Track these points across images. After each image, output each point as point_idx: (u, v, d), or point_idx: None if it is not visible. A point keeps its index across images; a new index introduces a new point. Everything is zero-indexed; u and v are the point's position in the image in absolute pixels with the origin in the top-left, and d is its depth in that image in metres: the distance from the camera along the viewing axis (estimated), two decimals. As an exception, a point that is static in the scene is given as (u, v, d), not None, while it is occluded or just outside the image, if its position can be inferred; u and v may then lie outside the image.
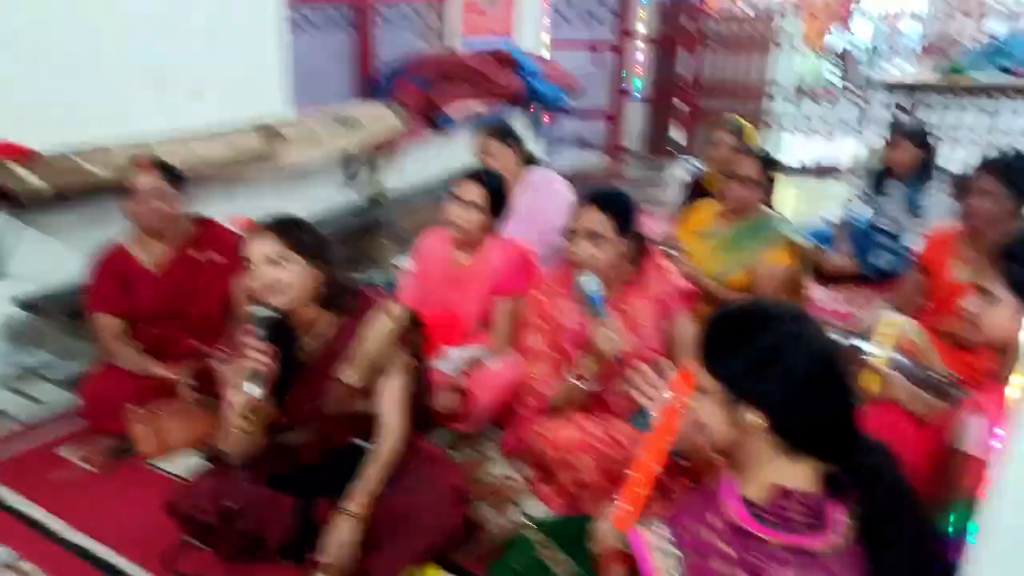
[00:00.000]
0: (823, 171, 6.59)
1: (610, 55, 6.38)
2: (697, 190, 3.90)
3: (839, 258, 4.02)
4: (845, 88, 6.68)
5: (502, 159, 3.23)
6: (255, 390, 1.78)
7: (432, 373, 2.29)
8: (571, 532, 1.87)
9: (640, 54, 7.01)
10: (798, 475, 1.20)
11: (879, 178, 4.02)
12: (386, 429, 1.97)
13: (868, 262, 4.00)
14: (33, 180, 2.85)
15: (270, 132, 3.74)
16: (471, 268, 2.74)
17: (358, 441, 2.04)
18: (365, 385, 1.98)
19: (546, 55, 6.13)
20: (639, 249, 2.28)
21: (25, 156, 2.92)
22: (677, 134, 7.19)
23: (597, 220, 2.15)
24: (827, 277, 4.01)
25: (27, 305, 3.02)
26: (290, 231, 1.90)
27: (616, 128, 6.38)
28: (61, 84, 3.07)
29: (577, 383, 2.14)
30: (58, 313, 2.99)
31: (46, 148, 2.98)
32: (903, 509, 1.21)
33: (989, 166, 2.70)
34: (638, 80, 7.09)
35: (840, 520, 1.15)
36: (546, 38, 6.35)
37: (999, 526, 1.08)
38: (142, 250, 2.70)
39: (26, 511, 2.19)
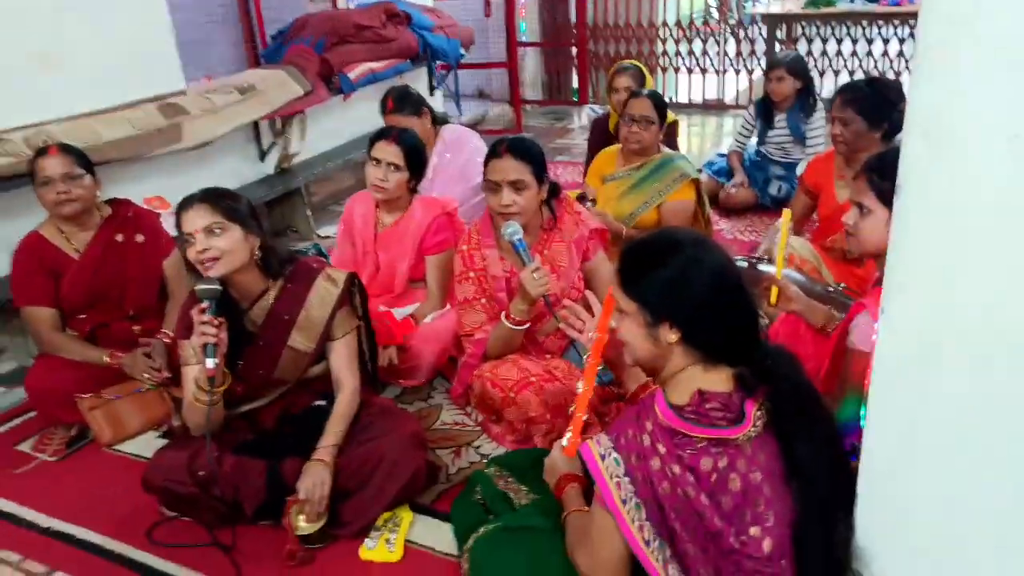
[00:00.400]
0: (713, 107, 6.91)
1: (500, 3, 6.44)
2: (602, 135, 4.07)
3: (736, 189, 4.29)
4: (727, 23, 6.95)
5: (415, 123, 3.28)
6: (210, 361, 1.87)
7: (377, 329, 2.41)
8: (525, 463, 2.06)
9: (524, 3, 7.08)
10: (713, 380, 1.40)
11: (764, 110, 4.28)
12: (342, 386, 2.11)
13: (764, 191, 4.30)
14: (-71, 176, 2.74)
15: (171, 108, 3.67)
16: (396, 228, 2.84)
17: (316, 403, 2.16)
18: (315, 348, 2.09)
19: (434, 6, 6.13)
20: (553, 195, 2.45)
21: (-84, 152, 2.80)
22: (573, 80, 7.35)
23: (516, 168, 2.28)
24: (728, 208, 4.28)
25: (-56, 306, 2.94)
26: (222, 200, 1.99)
27: (514, 78, 6.48)
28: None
29: (510, 326, 2.31)
30: (-21, 311, 2.92)
31: (-64, 142, 2.88)
32: (806, 402, 1.43)
33: (843, 95, 2.90)
34: (523, 24, 7.18)
35: (751, 413, 1.37)
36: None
37: (883, 405, 1.33)
38: (62, 237, 2.65)
39: (-4, 506, 2.22)
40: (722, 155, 4.66)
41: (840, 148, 2.90)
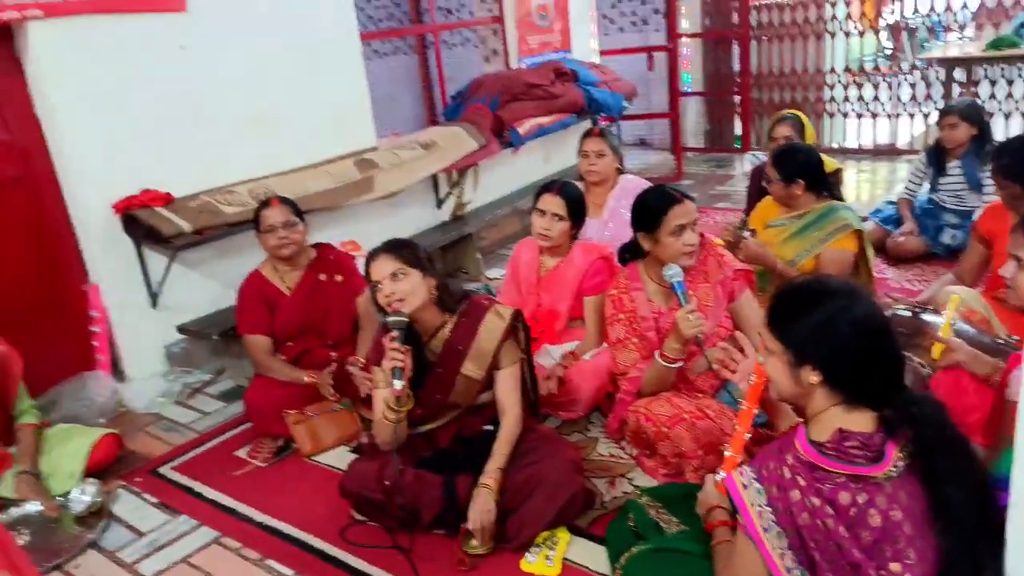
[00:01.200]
0: (884, 152, 6.69)
1: (663, 56, 6.64)
2: (760, 183, 4.12)
3: (905, 238, 4.19)
4: (900, 67, 6.74)
5: (605, 161, 3.53)
6: (397, 383, 2.15)
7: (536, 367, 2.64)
8: (677, 495, 2.19)
9: (687, 50, 7.23)
10: (855, 421, 1.48)
11: (937, 156, 4.17)
12: (506, 412, 2.34)
13: (936, 240, 4.16)
14: (177, 221, 3.31)
15: (365, 162, 4.16)
16: (557, 271, 3.07)
17: (486, 427, 2.41)
18: (484, 377, 2.35)
19: (599, 63, 6.43)
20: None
21: (166, 200, 3.40)
22: (736, 128, 7.39)
23: (693, 209, 2.49)
24: (896, 257, 4.18)
25: (184, 331, 3.51)
26: (401, 249, 2.30)
27: (676, 127, 6.64)
28: (189, 136, 3.56)
29: (664, 364, 2.45)
30: (209, 336, 3.45)
31: (180, 193, 3.46)
32: (952, 448, 1.47)
33: (994, 160, 2.89)
34: (687, 75, 7.32)
35: (892, 454, 1.44)
36: (596, 46, 6.64)
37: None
38: (277, 276, 3.12)
39: (219, 500, 2.64)
40: (891, 203, 4.54)
41: (1008, 205, 2.85)
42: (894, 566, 1.43)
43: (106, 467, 2.78)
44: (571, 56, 6.13)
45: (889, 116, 6.69)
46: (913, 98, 6.52)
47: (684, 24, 7.01)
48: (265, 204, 3.06)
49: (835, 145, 7.03)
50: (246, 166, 3.77)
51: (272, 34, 3.85)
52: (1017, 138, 3.19)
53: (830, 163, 4.06)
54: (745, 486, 1.53)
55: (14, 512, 2.57)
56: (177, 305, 3.57)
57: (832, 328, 1.50)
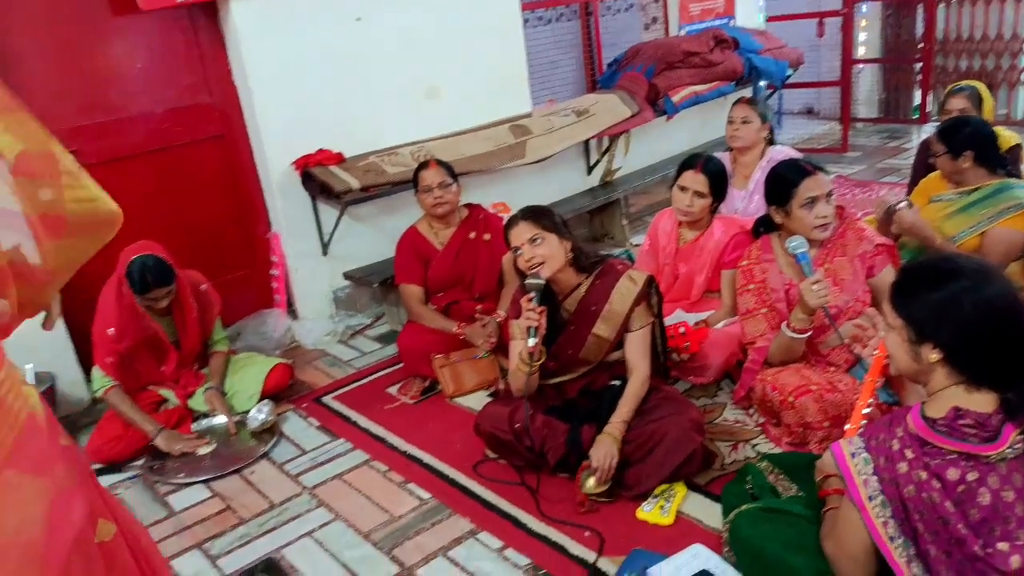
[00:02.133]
0: (1087, 125, 6.04)
1: (836, 21, 6.31)
2: (927, 157, 3.90)
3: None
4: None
5: (749, 128, 3.49)
6: (531, 340, 2.32)
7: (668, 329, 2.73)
8: (799, 464, 2.22)
9: (864, 13, 6.81)
10: (975, 401, 1.46)
11: None
12: (634, 371, 2.45)
13: None
14: (347, 179, 3.64)
15: (519, 128, 4.34)
16: (696, 244, 3.11)
17: (613, 382, 2.54)
18: (614, 337, 2.46)
19: (765, 29, 6.21)
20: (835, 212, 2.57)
21: (338, 160, 3.74)
22: (915, 98, 6.90)
23: (828, 182, 2.47)
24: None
25: (349, 278, 3.88)
26: (538, 216, 2.45)
27: (846, 96, 6.31)
28: (360, 101, 3.88)
29: (791, 334, 2.46)
30: (370, 284, 3.80)
31: (351, 153, 3.80)
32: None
33: None
34: (862, 42, 6.91)
35: (1009, 436, 1.42)
36: (762, 12, 6.40)
37: None
38: (431, 232, 3.38)
39: (371, 428, 2.96)
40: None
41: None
42: (1002, 545, 1.43)
43: (279, 392, 3.17)
44: (734, 23, 5.98)
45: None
46: None
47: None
48: (423, 166, 3.32)
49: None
50: (409, 130, 4.06)
51: (438, 5, 4.08)
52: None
53: (1008, 138, 3.77)
54: (853, 455, 1.57)
55: (203, 423, 3.02)
56: (344, 254, 3.94)
57: (955, 307, 1.47)
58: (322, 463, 2.77)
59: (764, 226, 2.72)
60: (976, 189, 3.14)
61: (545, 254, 2.38)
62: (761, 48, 5.54)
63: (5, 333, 1.17)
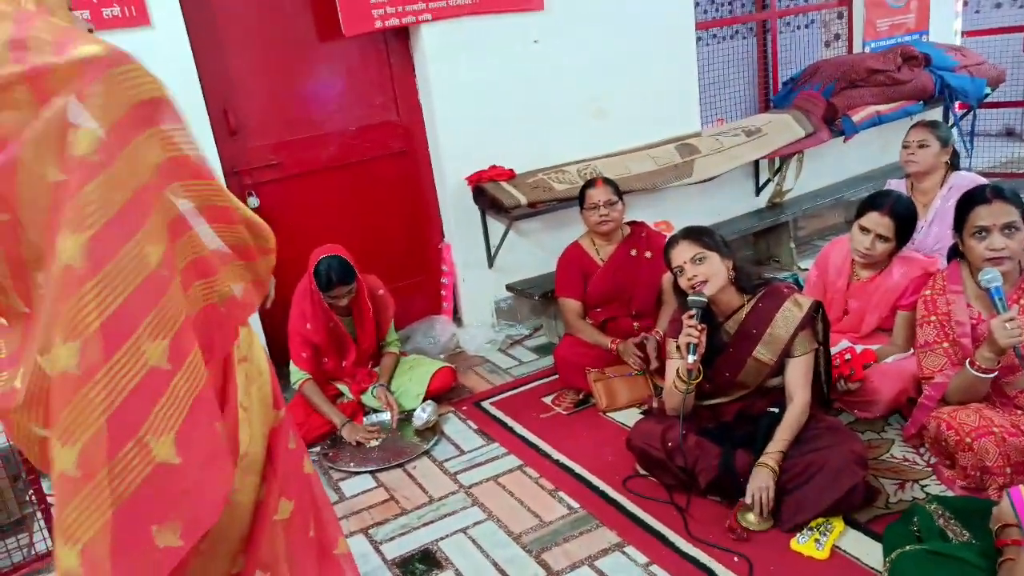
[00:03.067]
0: None
1: (1047, 35, 5.77)
2: None
3: None
4: None
5: (927, 152, 3.28)
6: (691, 357, 2.33)
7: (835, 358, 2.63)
8: (971, 509, 2.08)
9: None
10: None
11: None
12: (794, 398, 2.40)
13: None
14: (516, 194, 3.80)
15: (687, 147, 4.33)
16: (871, 283, 2.93)
17: (771, 409, 2.49)
18: (775, 362, 2.42)
19: (961, 45, 5.78)
20: None
21: (509, 176, 3.91)
22: None
23: (1007, 211, 2.27)
24: None
25: (511, 289, 4.04)
26: (700, 235, 2.46)
27: (1054, 116, 5.76)
28: (532, 120, 4.04)
29: (975, 373, 2.30)
30: (531, 296, 3.93)
31: (521, 169, 3.96)
32: None
33: None
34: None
35: None
36: (959, 27, 5.96)
37: None
38: (593, 248, 3.45)
39: (525, 435, 3.08)
40: None
41: None
42: None
43: (442, 394, 3.37)
44: (926, 38, 5.62)
45: None
46: None
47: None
48: (590, 184, 3.41)
49: None
50: (578, 148, 4.17)
51: (612, 26, 4.17)
52: None
53: None
54: (1032, 500, 1.47)
55: (374, 418, 3.26)
56: (508, 266, 4.11)
57: None
58: (479, 464, 2.91)
59: (957, 253, 2.54)
60: None
61: (707, 272, 2.39)
62: (956, 65, 5.17)
63: (250, 309, 1.46)
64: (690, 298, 2.40)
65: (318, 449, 3.12)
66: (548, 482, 2.73)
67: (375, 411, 3.28)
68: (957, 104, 5.34)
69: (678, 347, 2.47)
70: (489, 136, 3.94)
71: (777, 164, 4.76)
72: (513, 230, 3.99)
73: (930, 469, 2.49)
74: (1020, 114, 6.76)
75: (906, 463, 2.55)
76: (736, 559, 2.19)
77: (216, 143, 3.39)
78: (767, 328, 2.41)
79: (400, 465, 2.96)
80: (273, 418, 1.54)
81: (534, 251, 4.15)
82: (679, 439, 2.42)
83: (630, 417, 3.04)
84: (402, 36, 3.82)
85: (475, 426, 3.21)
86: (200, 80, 3.28)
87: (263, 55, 3.57)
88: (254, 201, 3.59)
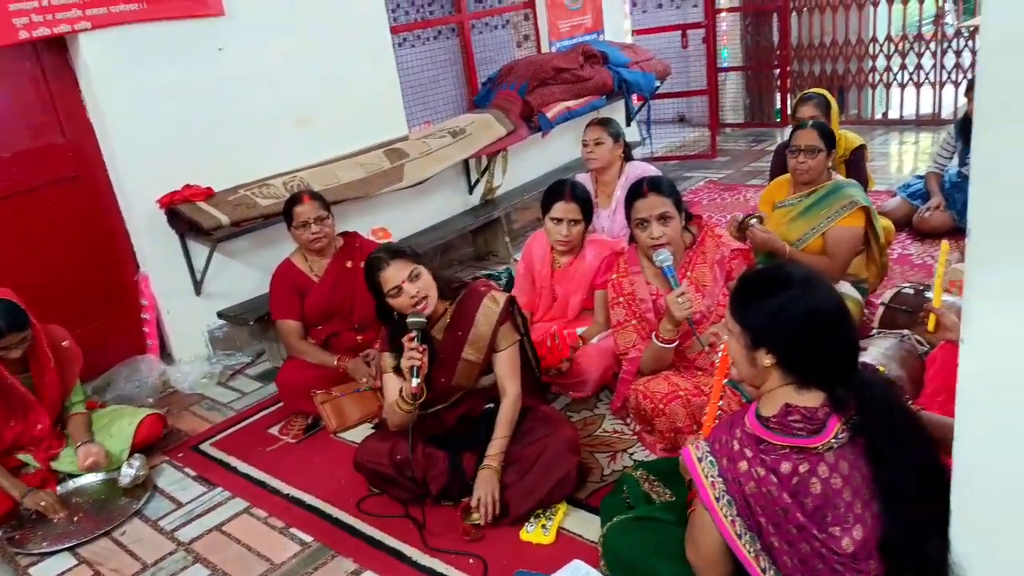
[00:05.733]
0: (927, 122, 6.54)
1: (699, 32, 6.62)
2: (783, 161, 4.13)
3: (931, 213, 4.14)
4: (945, 33, 6.52)
5: (603, 149, 3.59)
6: (415, 381, 2.29)
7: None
8: (670, 469, 2.29)
9: (725, 25, 7.18)
10: (804, 399, 1.57)
11: (965, 129, 4.10)
12: (506, 392, 2.48)
13: (963, 214, 4.09)
14: (216, 214, 3.54)
15: (395, 152, 4.33)
16: (571, 267, 3.16)
17: (489, 405, 2.55)
18: (483, 360, 2.48)
19: (632, 43, 6.43)
20: (693, 221, 2.68)
21: (207, 195, 3.63)
22: (776, 102, 7.31)
23: (661, 203, 2.55)
24: (922, 232, 4.14)
25: (224, 316, 3.76)
26: (404, 252, 2.42)
27: (713, 103, 6.62)
28: (227, 133, 3.78)
29: (659, 344, 2.55)
30: (246, 321, 3.68)
31: (220, 187, 3.69)
32: (899, 426, 1.55)
33: None
34: (725, 50, 7.27)
35: (834, 427, 1.53)
36: (629, 27, 6.63)
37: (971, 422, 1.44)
38: (306, 264, 3.31)
39: (251, 473, 2.87)
40: (920, 177, 4.49)
41: None
42: (833, 529, 1.54)
43: (152, 443, 3.03)
44: (603, 37, 6.16)
45: (933, 85, 6.52)
46: (957, 66, 6.35)
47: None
48: (295, 200, 3.24)
49: (879, 116, 6.90)
50: (281, 159, 3.98)
51: (304, 31, 4.03)
52: None
53: (853, 139, 4.05)
54: (700, 459, 1.64)
55: (70, 484, 2.85)
56: (219, 292, 3.82)
57: (787, 314, 1.58)
58: (199, 515, 2.67)
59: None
60: (812, 192, 3.34)
61: (425, 286, 2.36)
62: (629, 61, 5.73)
63: None
64: (410, 319, 2.34)
65: (0, 533, 2.66)
66: (278, 520, 2.57)
67: (70, 476, 2.87)
68: (635, 97, 5.93)
69: (389, 362, 2.44)
70: (179, 153, 3.62)
71: (484, 162, 4.94)
72: (219, 252, 3.70)
73: (635, 437, 2.72)
74: (687, 102, 7.70)
75: (616, 435, 2.76)
76: (471, 560, 2.22)
77: None
78: (471, 328, 2.46)
79: (106, 533, 2.62)
80: None
81: (245, 272, 3.90)
82: (410, 451, 2.39)
83: (364, 435, 2.94)
84: (58, 48, 3.36)
85: (193, 473, 2.93)
86: None
87: None
88: None
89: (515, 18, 5.95)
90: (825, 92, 4.14)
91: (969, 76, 6.23)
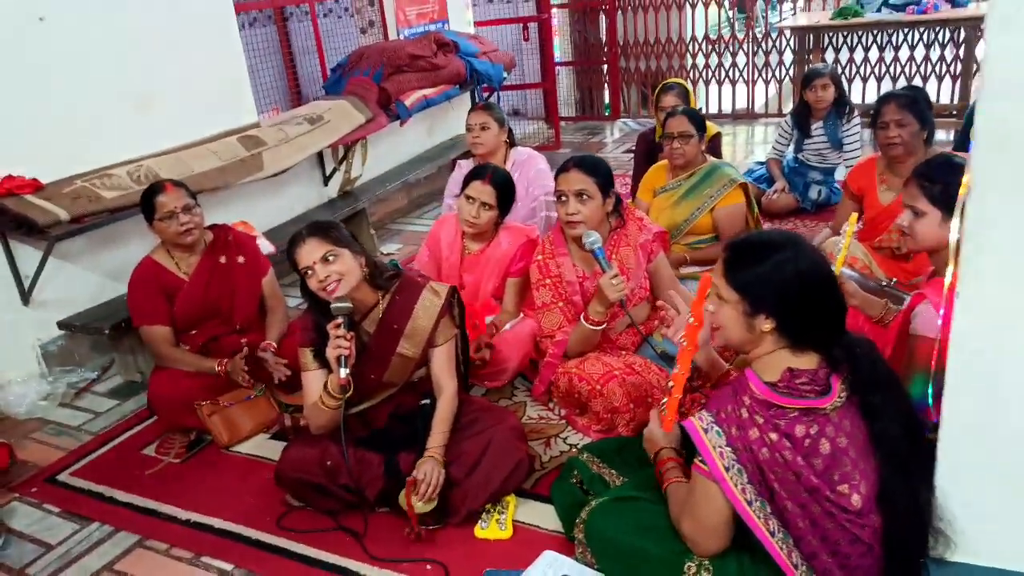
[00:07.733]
0: (743, 116, 7.11)
1: (535, 26, 6.73)
2: (647, 149, 4.29)
3: (777, 195, 4.48)
4: (755, 34, 7.12)
5: (488, 134, 3.52)
6: (343, 371, 2.08)
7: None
8: (613, 449, 2.26)
9: (556, 20, 7.37)
10: (801, 361, 1.60)
11: (801, 119, 4.48)
12: (443, 389, 2.32)
13: (805, 196, 4.49)
14: (52, 208, 3.03)
15: (251, 139, 3.96)
16: (482, 255, 3.05)
17: (423, 402, 2.38)
18: (419, 355, 2.32)
19: (476, 34, 6.41)
20: (619, 204, 2.68)
21: (35, 187, 3.10)
22: (605, 96, 7.61)
23: (581, 180, 2.52)
24: (771, 213, 4.48)
25: (67, 327, 3.23)
26: (328, 230, 2.22)
27: (553, 96, 6.75)
28: (54, 116, 3.25)
29: (589, 326, 2.52)
30: (99, 331, 3.18)
31: (49, 178, 3.17)
32: (884, 381, 1.63)
33: (898, 100, 3.07)
34: (557, 46, 7.46)
35: (837, 386, 1.58)
36: (471, 18, 6.60)
37: (959, 383, 1.53)
38: (172, 262, 2.91)
39: (134, 502, 2.47)
40: (760, 163, 4.86)
41: (897, 150, 3.07)
42: (842, 487, 1.57)
43: (-7, 480, 2.54)
44: (448, 27, 6.07)
45: (746, 82, 7.09)
46: (767, 64, 6.95)
47: (553, -5, 7.10)
48: (157, 190, 2.83)
49: (699, 110, 7.38)
50: (123, 146, 3.49)
51: (140, 3, 3.57)
52: (908, 86, 3.43)
53: (710, 128, 4.27)
54: (705, 430, 1.61)
55: None
56: (54, 300, 3.28)
57: (785, 277, 1.59)
58: (80, 556, 2.25)
59: None
60: (691, 175, 3.50)
61: (341, 271, 2.15)
62: (479, 52, 5.68)
63: None
64: (334, 305, 2.12)
65: None
66: (183, 550, 2.23)
67: None
68: (483, 87, 5.89)
69: (312, 357, 2.21)
70: (-6, 139, 3.05)
71: (342, 152, 4.67)
72: (54, 254, 3.17)
73: (564, 422, 2.66)
74: (522, 96, 7.81)
75: (543, 421, 2.69)
76: (429, 567, 2.05)
77: None
78: (408, 321, 2.28)
79: (-46, 594, 2.14)
80: None
81: (84, 276, 3.38)
82: (345, 455, 2.17)
83: (260, 446, 2.67)
84: None
85: (56, 509, 2.48)
86: None
87: None
88: None
89: (358, 4, 5.69)
90: (683, 81, 4.35)
91: (786, 73, 6.85)
